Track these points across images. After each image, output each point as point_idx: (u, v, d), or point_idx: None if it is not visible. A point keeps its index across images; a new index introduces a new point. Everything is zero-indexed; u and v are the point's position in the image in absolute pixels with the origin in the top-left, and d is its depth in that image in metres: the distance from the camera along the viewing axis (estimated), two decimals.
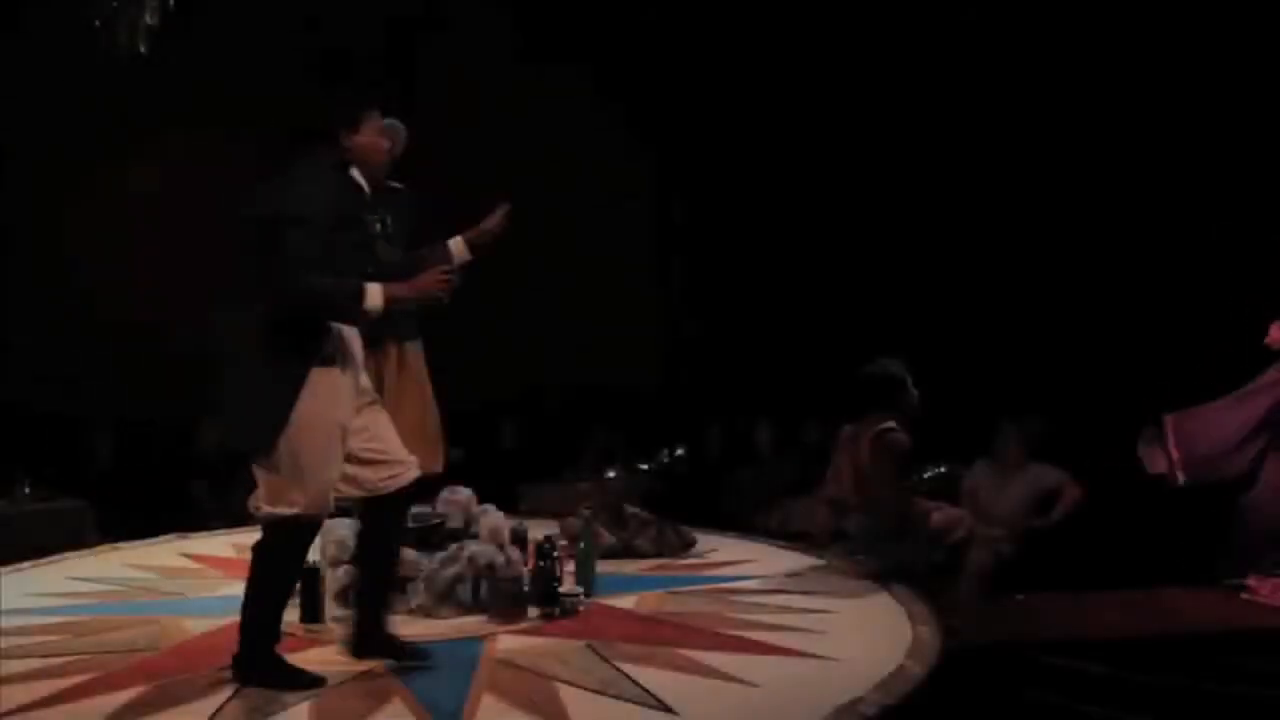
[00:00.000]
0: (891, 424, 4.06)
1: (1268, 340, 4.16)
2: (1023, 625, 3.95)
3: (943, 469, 5.48)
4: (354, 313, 2.85)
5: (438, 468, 4.21)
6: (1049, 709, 3.58)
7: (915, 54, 6.40)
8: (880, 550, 4.02)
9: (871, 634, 3.30)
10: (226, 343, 2.89)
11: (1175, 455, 4.17)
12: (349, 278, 2.84)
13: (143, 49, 3.96)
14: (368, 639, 3.03)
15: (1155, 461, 4.23)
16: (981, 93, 6.21)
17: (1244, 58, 5.13)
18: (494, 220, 3.37)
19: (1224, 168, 5.30)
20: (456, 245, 3.33)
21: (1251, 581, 4.14)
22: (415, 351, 4.37)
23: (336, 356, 2.86)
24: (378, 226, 4.24)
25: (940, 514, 4.16)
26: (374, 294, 2.82)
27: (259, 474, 2.88)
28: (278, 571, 2.94)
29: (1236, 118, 5.26)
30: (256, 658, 2.87)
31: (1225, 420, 4.16)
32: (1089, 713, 3.59)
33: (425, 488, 4.22)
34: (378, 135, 3.07)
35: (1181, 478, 4.17)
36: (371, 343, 4.26)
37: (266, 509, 2.87)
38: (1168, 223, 5.49)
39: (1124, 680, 3.68)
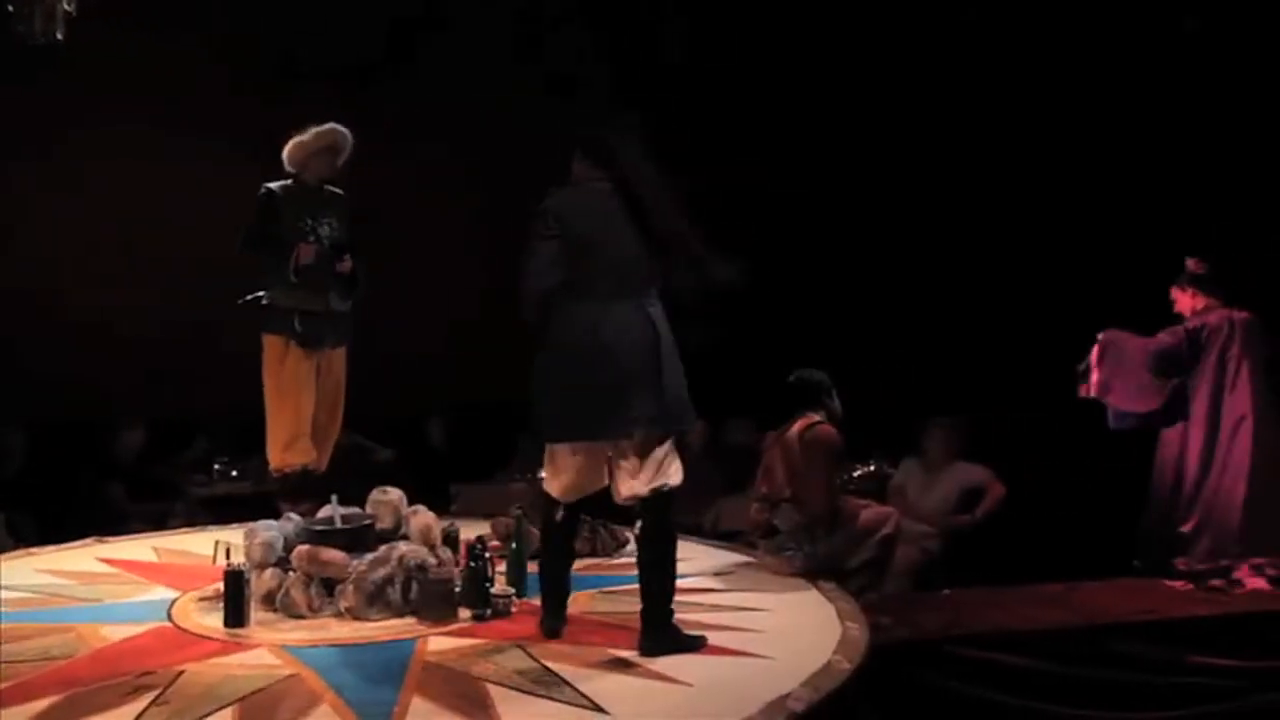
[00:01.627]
0: (818, 419, 4.17)
1: (1177, 309, 4.53)
2: (949, 620, 4.04)
3: (871, 468, 5.57)
4: None
5: (324, 467, 4.41)
6: (975, 702, 3.67)
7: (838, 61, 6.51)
8: (810, 547, 4.08)
9: (801, 631, 3.34)
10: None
11: (1094, 376, 4.53)
12: None
13: (59, 36, 3.84)
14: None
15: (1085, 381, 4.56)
16: (901, 99, 6.33)
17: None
18: None
19: (1136, 175, 5.47)
20: None
21: (1182, 565, 4.31)
22: (340, 354, 4.40)
23: None
24: (326, 229, 4.28)
25: (869, 511, 4.24)
26: None
27: (654, 455, 3.15)
28: (673, 538, 3.24)
29: (1147, 127, 5.43)
30: (669, 625, 3.12)
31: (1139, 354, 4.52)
32: (1012, 704, 3.69)
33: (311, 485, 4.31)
34: None
35: (1092, 392, 4.54)
36: (313, 342, 4.27)
37: (665, 483, 3.15)
38: (1088, 229, 5.65)
39: (1046, 672, 3.79)
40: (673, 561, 3.20)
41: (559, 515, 3.27)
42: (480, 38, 6.67)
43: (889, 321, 6.32)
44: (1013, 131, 5.87)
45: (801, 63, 6.64)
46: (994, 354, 5.12)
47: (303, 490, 4.28)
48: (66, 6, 3.91)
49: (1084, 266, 5.58)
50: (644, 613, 3.14)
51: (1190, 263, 4.54)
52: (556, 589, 3.30)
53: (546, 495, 3.30)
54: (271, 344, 4.30)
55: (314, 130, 4.30)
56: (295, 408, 4.27)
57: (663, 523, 3.19)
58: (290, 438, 4.29)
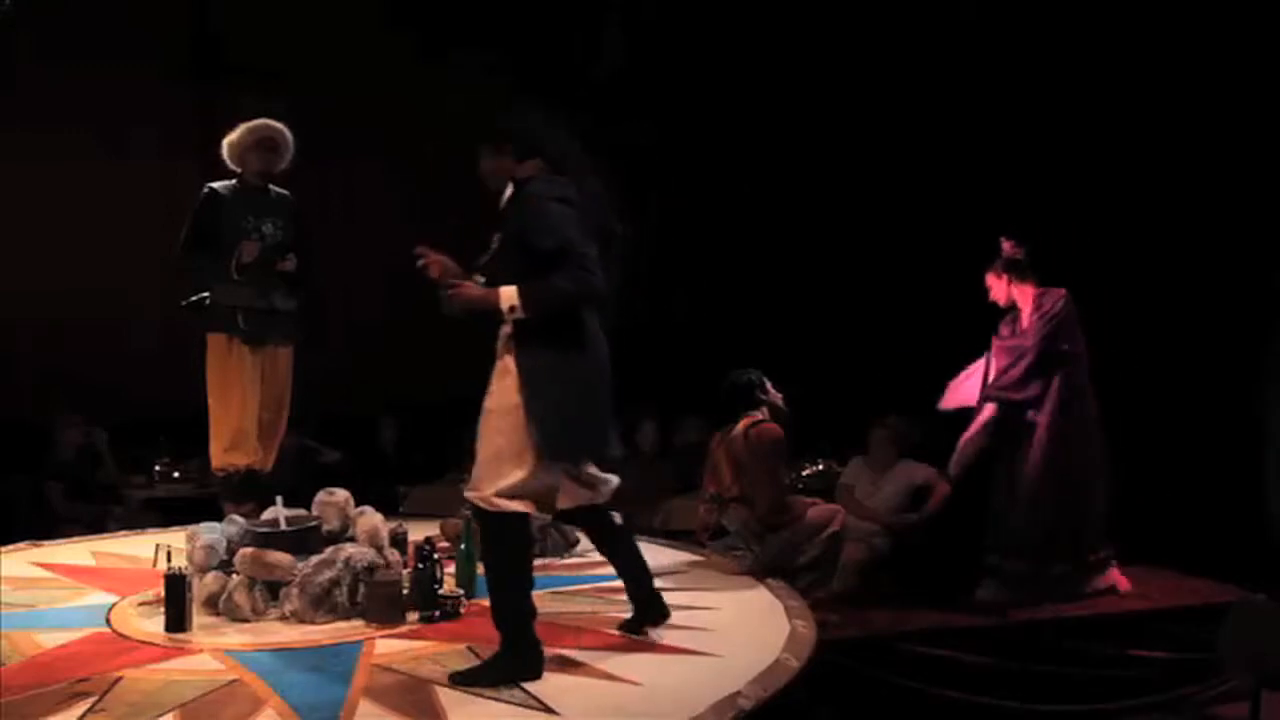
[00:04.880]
0: (761, 417, 4.24)
1: (992, 296, 4.53)
2: (896, 617, 4.10)
3: (819, 466, 5.63)
4: None
5: (269, 467, 4.37)
6: (923, 697, 3.72)
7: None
8: (758, 546, 4.12)
9: (750, 629, 3.36)
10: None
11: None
12: None
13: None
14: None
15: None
16: (843, 97, 6.40)
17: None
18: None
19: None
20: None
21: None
22: (286, 354, 4.35)
23: None
24: (270, 229, 4.22)
25: (815, 509, 4.28)
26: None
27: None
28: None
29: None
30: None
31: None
32: (960, 699, 3.75)
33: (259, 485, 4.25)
34: None
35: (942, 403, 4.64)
36: (257, 340, 4.21)
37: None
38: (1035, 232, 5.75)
39: (993, 667, 3.86)
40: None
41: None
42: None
43: (838, 321, 6.38)
44: (955, 135, 5.96)
45: (751, 61, 6.69)
46: (943, 353, 5.19)
47: (246, 491, 4.22)
48: (4, 2, 3.82)
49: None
50: (636, 596, 3.29)
51: (1006, 246, 4.44)
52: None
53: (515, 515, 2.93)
54: (215, 342, 4.24)
55: (245, 125, 4.24)
56: (239, 407, 4.21)
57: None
58: (233, 438, 4.22)
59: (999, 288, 4.48)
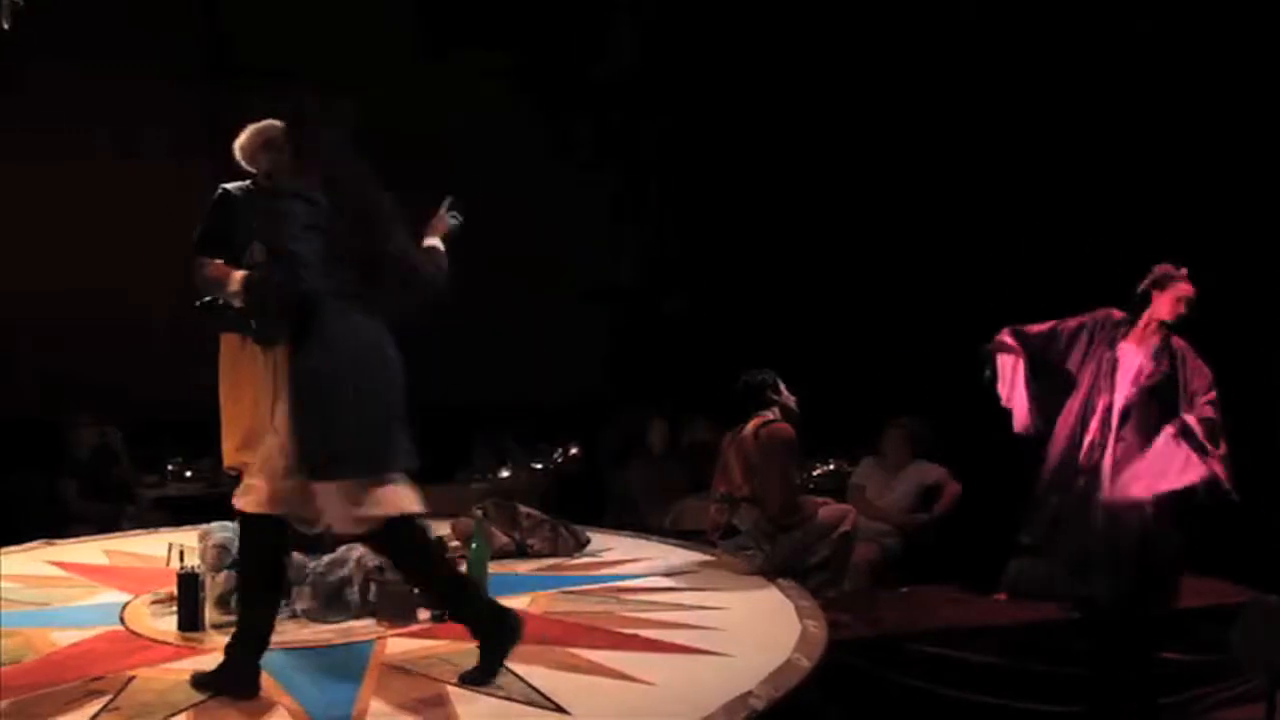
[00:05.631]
0: (773, 416, 4.23)
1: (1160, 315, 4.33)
2: (908, 617, 4.09)
3: (830, 466, 5.62)
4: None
5: None
6: (934, 698, 3.71)
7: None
8: (769, 546, 4.11)
9: (761, 629, 3.35)
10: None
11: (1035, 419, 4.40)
12: None
13: (5, 26, 3.75)
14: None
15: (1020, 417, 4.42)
16: (858, 98, 6.39)
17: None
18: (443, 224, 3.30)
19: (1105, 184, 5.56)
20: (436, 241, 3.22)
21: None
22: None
23: None
24: None
25: (826, 509, 4.27)
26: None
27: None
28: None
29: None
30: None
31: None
32: (971, 701, 3.74)
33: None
34: None
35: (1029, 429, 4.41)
36: (270, 340, 4.21)
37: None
38: (1053, 233, 5.72)
39: (1004, 668, 3.85)
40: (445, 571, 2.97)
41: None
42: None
43: (849, 321, 6.37)
44: (970, 137, 5.94)
45: (761, 62, 6.68)
46: (955, 354, 5.18)
47: None
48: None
49: (1044, 269, 5.65)
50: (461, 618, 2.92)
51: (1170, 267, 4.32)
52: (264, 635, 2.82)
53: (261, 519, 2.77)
54: (227, 342, 4.25)
55: (253, 127, 4.25)
56: (251, 406, 4.21)
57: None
58: (245, 437, 4.23)
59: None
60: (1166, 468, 4.12)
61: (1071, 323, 4.43)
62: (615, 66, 6.92)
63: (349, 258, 2.78)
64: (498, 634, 2.83)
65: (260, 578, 2.80)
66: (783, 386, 4.34)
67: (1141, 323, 4.31)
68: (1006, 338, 4.43)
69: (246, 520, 2.79)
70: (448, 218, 3.28)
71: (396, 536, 2.81)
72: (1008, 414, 4.47)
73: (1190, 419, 4.12)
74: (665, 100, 6.97)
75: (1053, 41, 5.59)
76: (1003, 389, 4.42)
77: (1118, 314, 4.38)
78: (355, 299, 2.78)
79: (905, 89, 6.22)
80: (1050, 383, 4.41)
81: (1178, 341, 4.27)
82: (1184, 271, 4.25)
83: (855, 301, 6.44)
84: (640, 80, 6.95)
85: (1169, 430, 4.15)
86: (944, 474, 5.19)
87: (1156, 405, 4.21)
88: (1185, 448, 4.10)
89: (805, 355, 5.20)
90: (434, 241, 3.15)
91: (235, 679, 2.73)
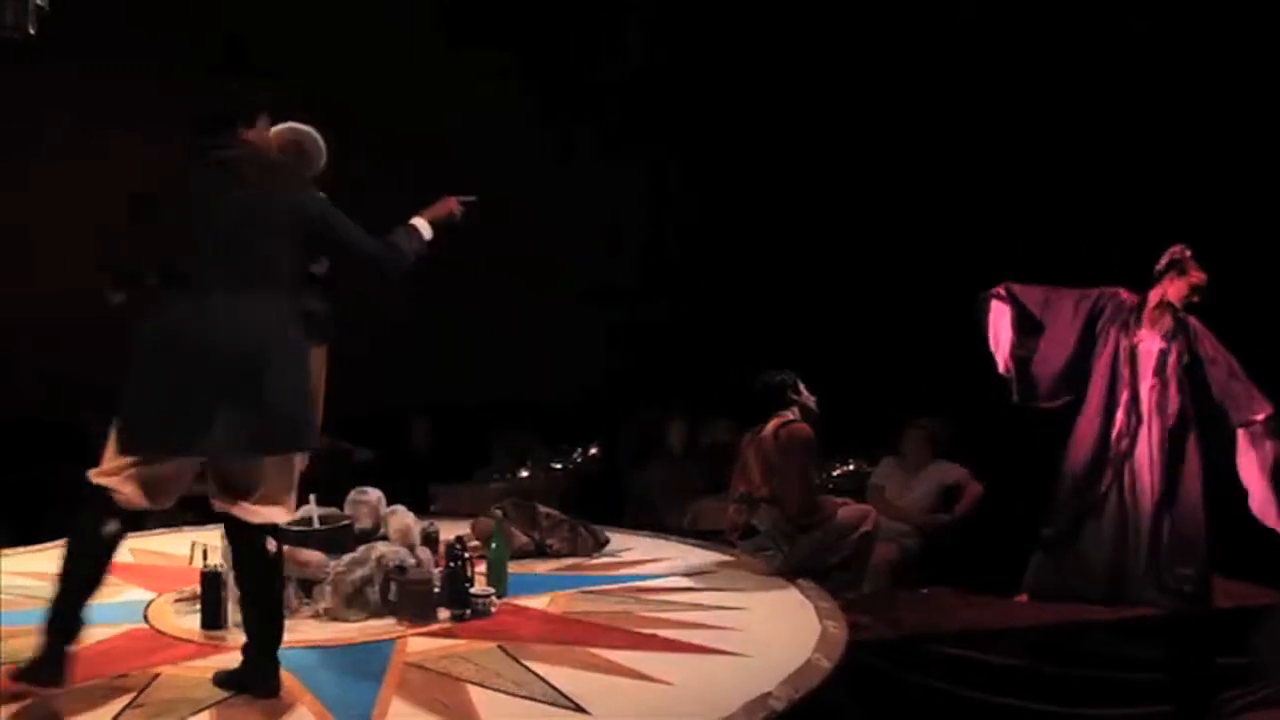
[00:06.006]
0: (792, 417, 4.22)
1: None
2: (928, 619, 4.07)
3: (850, 467, 5.60)
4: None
5: (301, 468, 4.30)
6: (955, 700, 3.69)
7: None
8: (788, 546, 4.10)
9: (780, 630, 3.35)
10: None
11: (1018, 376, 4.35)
12: None
13: (31, 30, 3.79)
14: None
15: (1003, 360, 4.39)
16: (875, 97, 6.36)
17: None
18: (449, 206, 3.21)
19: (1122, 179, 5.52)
20: (421, 224, 3.13)
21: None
22: (320, 355, 4.36)
23: None
24: None
25: (847, 510, 4.26)
26: (425, 228, 3.03)
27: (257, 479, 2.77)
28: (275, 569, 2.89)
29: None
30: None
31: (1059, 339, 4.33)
32: (991, 703, 3.71)
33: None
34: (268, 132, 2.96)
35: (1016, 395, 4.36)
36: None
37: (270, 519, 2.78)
38: (1066, 229, 5.69)
39: (1025, 669, 3.82)
40: (278, 596, 2.86)
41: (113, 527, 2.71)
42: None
43: (869, 320, 6.35)
44: (988, 134, 5.91)
45: (779, 60, 6.67)
46: (975, 354, 5.15)
47: None
48: (39, 1, 3.87)
49: (1064, 267, 5.61)
50: (244, 648, 2.79)
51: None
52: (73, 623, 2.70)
53: (99, 497, 2.71)
54: None
55: (271, 130, 4.27)
56: None
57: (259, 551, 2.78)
58: None
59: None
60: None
61: (1070, 294, 4.37)
62: (625, 65, 6.92)
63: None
64: (258, 675, 2.75)
65: (82, 564, 2.78)
66: (802, 387, 4.34)
67: (1151, 303, 4.26)
68: (999, 289, 4.41)
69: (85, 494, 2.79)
70: (454, 203, 3.17)
71: (236, 533, 2.79)
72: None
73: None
74: (679, 95, 6.95)
75: (1069, 38, 5.56)
76: (990, 336, 4.41)
77: (1126, 294, 4.33)
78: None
79: (924, 86, 6.20)
80: (1041, 346, 4.34)
81: (1187, 316, 4.23)
82: (1188, 254, 4.23)
83: (875, 301, 6.42)
84: (650, 75, 6.94)
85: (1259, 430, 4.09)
86: (965, 474, 5.17)
87: (1181, 390, 4.17)
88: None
89: (825, 355, 5.18)
90: (418, 221, 3.06)
91: (47, 673, 2.64)
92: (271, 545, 2.78)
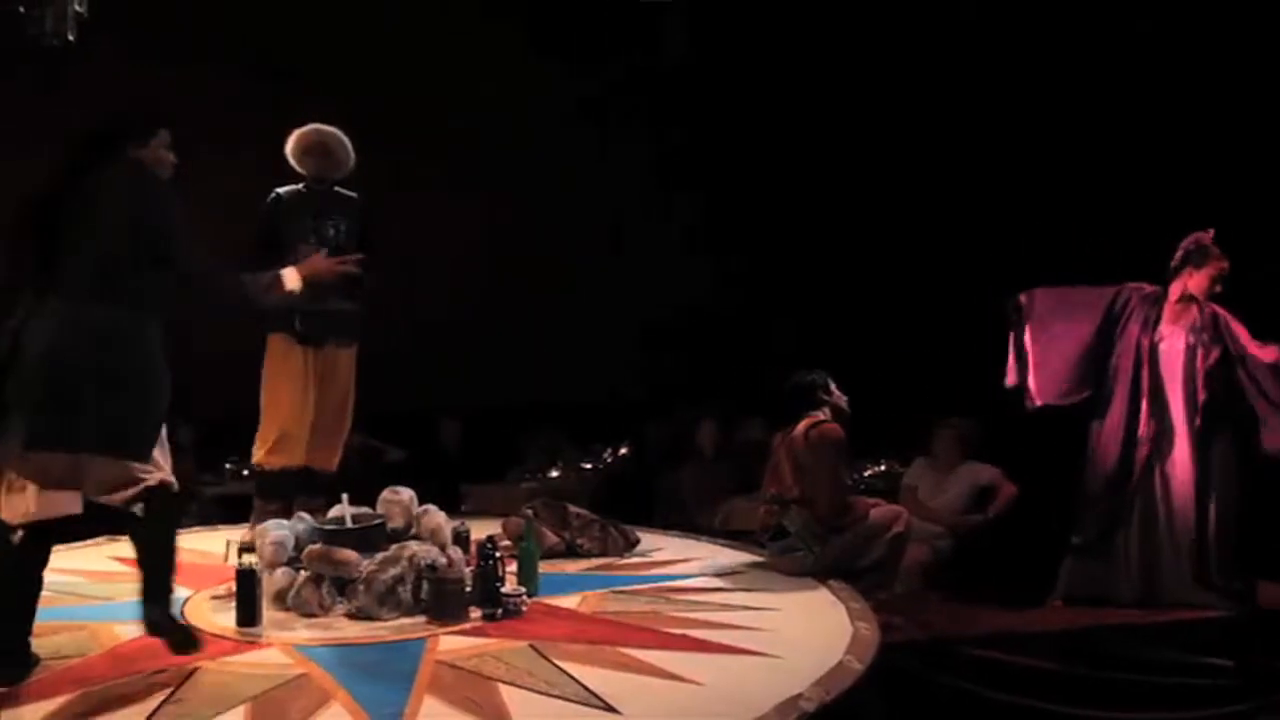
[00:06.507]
0: (823, 417, 4.21)
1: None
2: (960, 620, 4.04)
3: (882, 467, 5.57)
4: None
5: (334, 466, 4.42)
6: (987, 703, 3.66)
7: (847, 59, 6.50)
8: (820, 547, 4.08)
9: (812, 631, 3.34)
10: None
11: (1034, 383, 4.27)
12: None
13: (71, 38, 3.86)
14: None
15: (1011, 374, 4.33)
16: (911, 95, 6.32)
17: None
18: (325, 266, 3.35)
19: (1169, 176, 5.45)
20: (289, 275, 3.20)
21: None
22: (347, 355, 4.40)
23: None
24: (331, 231, 4.28)
25: (879, 510, 4.23)
26: (291, 280, 3.14)
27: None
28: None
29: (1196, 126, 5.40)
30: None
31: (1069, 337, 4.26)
32: (1023, 706, 3.68)
33: (319, 485, 4.33)
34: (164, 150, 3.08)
35: (1037, 401, 4.28)
36: (314, 341, 4.30)
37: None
38: (1112, 231, 5.62)
39: (1060, 673, 3.78)
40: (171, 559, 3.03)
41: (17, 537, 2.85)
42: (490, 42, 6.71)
43: (901, 319, 6.31)
44: (1028, 130, 5.85)
45: (812, 58, 6.64)
46: (1005, 354, 5.10)
47: (277, 490, 4.30)
48: (78, 7, 3.94)
49: (1098, 265, 5.55)
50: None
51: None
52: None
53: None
54: (273, 343, 4.34)
55: (297, 131, 4.33)
56: (287, 409, 4.28)
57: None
58: (277, 440, 4.30)
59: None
60: None
61: (1091, 291, 4.30)
62: (671, 58, 6.92)
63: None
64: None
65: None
66: (834, 386, 4.32)
67: (1172, 297, 4.18)
68: (1019, 299, 4.36)
69: None
70: (326, 265, 3.34)
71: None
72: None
73: None
74: (713, 94, 6.94)
75: (1104, 38, 5.50)
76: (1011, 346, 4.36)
77: (1150, 289, 4.24)
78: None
79: (963, 87, 6.15)
80: (1054, 343, 4.27)
81: (1211, 307, 4.15)
82: (1210, 236, 4.14)
83: (907, 300, 6.38)
84: (688, 74, 6.93)
85: None
86: (997, 475, 5.12)
87: (1210, 387, 4.09)
88: None
89: (857, 355, 5.15)
90: (287, 273, 3.18)
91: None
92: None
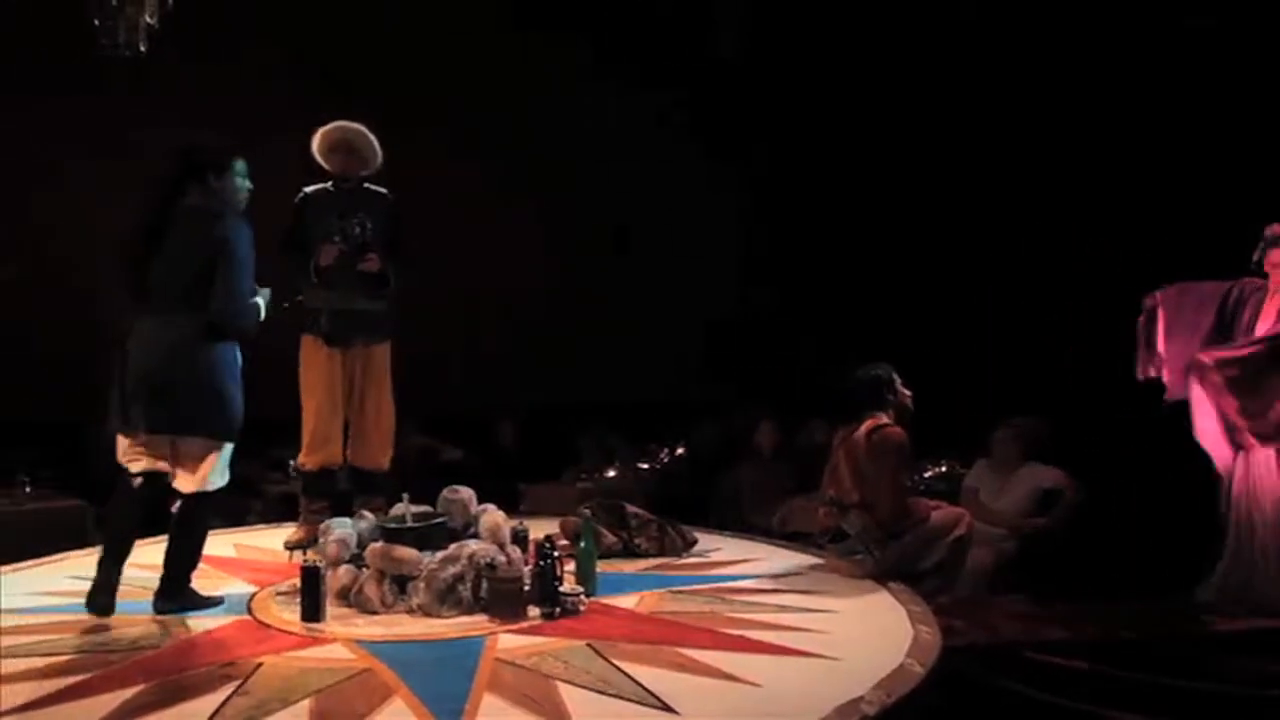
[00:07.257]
0: (886, 420, 4.12)
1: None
2: (1023, 624, 3.96)
3: (943, 468, 5.49)
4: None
5: (384, 464, 4.44)
6: (1048, 708, 3.59)
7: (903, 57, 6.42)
8: (879, 551, 4.03)
9: (872, 633, 3.30)
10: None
11: (1167, 377, 4.28)
12: None
13: (142, 48, 3.97)
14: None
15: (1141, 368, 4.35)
16: (979, 92, 6.22)
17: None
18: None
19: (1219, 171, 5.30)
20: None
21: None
22: (378, 353, 4.42)
23: None
24: (357, 229, 4.32)
25: (940, 513, 4.17)
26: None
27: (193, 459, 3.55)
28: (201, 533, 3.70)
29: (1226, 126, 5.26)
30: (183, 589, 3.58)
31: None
32: (1087, 712, 3.60)
33: (373, 484, 4.37)
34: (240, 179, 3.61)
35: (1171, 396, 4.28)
36: (341, 341, 4.35)
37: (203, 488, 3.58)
38: (1167, 227, 5.49)
39: (1121, 679, 3.70)
40: (197, 549, 3.63)
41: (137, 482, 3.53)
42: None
43: (967, 320, 6.22)
44: (1094, 129, 5.73)
45: (876, 55, 6.57)
46: (1074, 354, 5.02)
47: (318, 489, 4.36)
48: (149, 19, 4.05)
49: (1162, 265, 5.43)
50: (161, 579, 3.56)
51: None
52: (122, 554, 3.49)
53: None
54: (305, 344, 4.39)
55: (321, 130, 4.34)
56: (316, 410, 4.32)
57: (194, 516, 3.60)
58: (311, 440, 4.35)
59: None
60: None
61: (1206, 285, 4.31)
62: (729, 54, 6.90)
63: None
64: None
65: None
66: (899, 383, 4.22)
67: (1273, 288, 4.13)
68: (1152, 297, 4.39)
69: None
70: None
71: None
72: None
73: None
74: (771, 87, 6.90)
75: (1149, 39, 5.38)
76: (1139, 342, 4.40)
77: (1260, 281, 4.21)
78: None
79: (1021, 84, 6.04)
80: (1172, 341, 4.29)
81: None
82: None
83: (971, 300, 6.29)
84: (741, 67, 6.90)
85: None
86: (1061, 477, 5.02)
87: None
88: None
89: (920, 354, 5.08)
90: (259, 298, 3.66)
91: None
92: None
